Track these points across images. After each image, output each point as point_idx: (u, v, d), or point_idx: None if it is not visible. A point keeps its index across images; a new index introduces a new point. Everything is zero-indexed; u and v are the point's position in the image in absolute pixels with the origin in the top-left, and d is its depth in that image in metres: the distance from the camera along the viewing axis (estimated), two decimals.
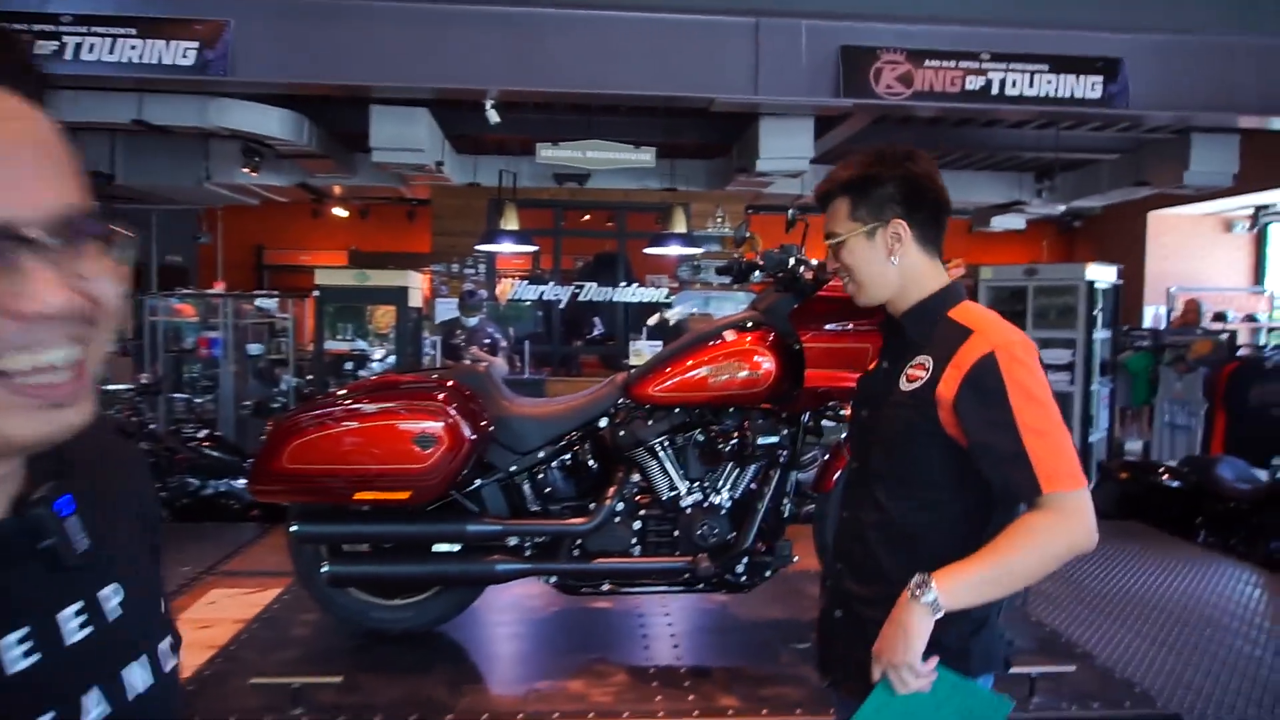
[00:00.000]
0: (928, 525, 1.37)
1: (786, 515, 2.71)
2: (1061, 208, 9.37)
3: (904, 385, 1.38)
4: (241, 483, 4.36)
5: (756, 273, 2.78)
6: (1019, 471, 1.27)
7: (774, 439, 2.61)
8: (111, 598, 0.67)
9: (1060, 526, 1.25)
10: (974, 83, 5.66)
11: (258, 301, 7.42)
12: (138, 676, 0.67)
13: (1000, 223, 10.32)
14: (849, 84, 5.59)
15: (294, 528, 2.52)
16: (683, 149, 8.24)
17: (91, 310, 0.58)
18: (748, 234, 2.96)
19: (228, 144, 7.48)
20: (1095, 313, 6.28)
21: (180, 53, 5.45)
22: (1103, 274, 6.38)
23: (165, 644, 0.71)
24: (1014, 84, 5.68)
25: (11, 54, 0.57)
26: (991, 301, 6.75)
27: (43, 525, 0.61)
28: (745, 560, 2.62)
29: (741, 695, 2.33)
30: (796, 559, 2.72)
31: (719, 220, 8.25)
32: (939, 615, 1.23)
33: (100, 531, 0.66)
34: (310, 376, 6.38)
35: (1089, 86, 5.75)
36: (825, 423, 2.76)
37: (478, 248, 7.68)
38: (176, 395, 6.50)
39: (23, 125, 0.56)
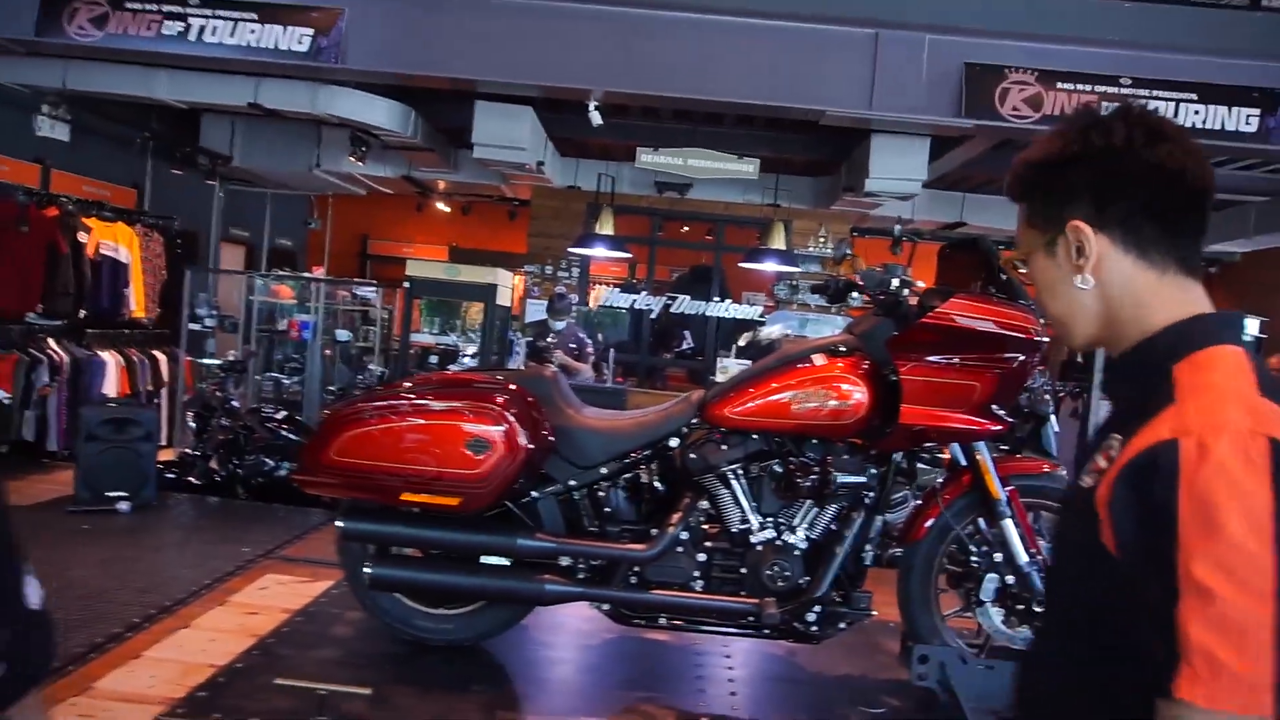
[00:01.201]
0: (1109, 683, 0.88)
1: (868, 563, 2.44)
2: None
3: (1085, 479, 0.91)
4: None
5: (854, 293, 2.54)
6: (1158, 639, 0.78)
7: (860, 478, 2.36)
8: None
9: None
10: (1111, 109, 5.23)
11: (357, 289, 7.51)
12: None
13: None
14: (971, 103, 5.24)
15: (340, 523, 2.40)
16: (788, 164, 7.97)
17: None
18: (849, 251, 2.72)
19: (337, 132, 7.61)
20: None
21: (296, 39, 5.52)
22: (1246, 325, 5.82)
23: None
24: (1155, 112, 5.22)
25: None
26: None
27: None
28: (818, 609, 2.37)
29: None
30: (875, 613, 2.45)
31: (821, 240, 7.95)
32: None
33: None
34: (385, 370, 6.39)
35: (1243, 119, 5.24)
36: (920, 465, 2.48)
37: (571, 250, 7.60)
38: (267, 375, 6.60)
39: None
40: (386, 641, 2.55)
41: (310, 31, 5.50)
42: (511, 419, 2.26)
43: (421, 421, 2.27)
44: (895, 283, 2.31)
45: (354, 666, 2.36)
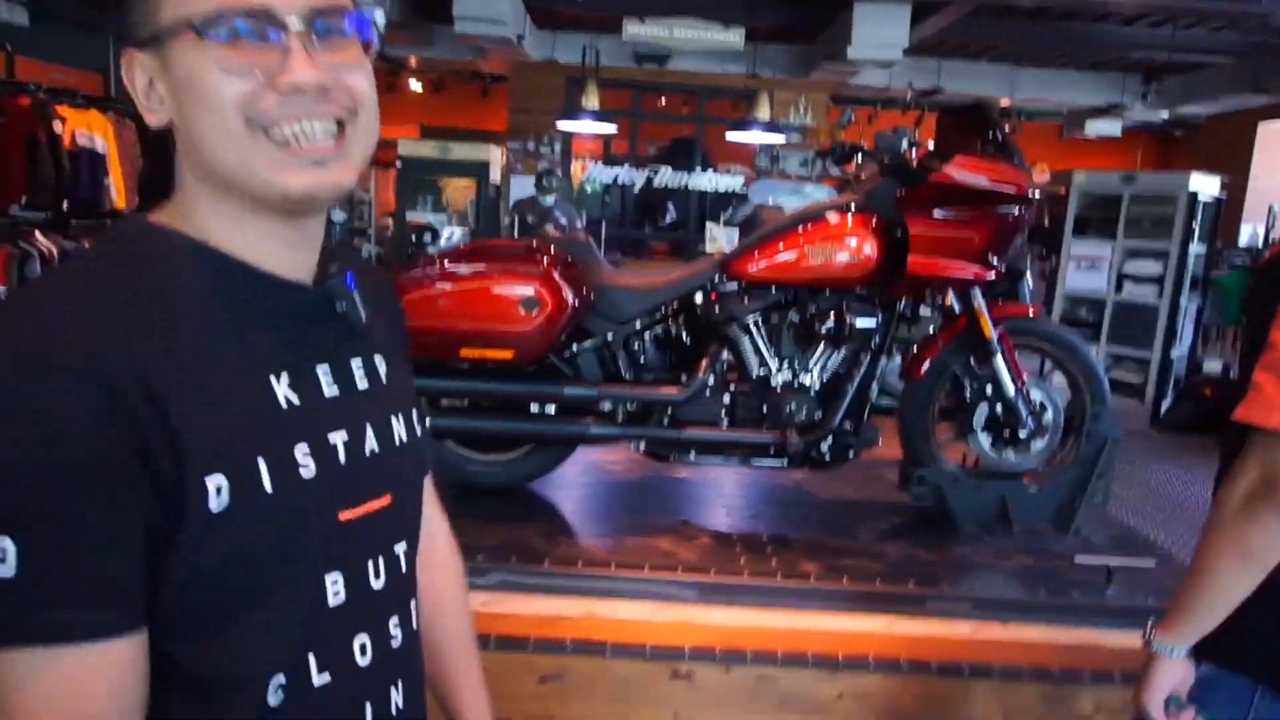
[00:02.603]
0: None
1: (874, 399, 2.74)
2: (1165, 114, 8.90)
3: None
4: None
5: (859, 155, 2.74)
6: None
7: (871, 322, 2.63)
8: (381, 364, 0.84)
9: (1249, 498, 1.07)
10: None
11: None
12: (400, 428, 0.85)
13: (1095, 128, 9.86)
14: None
15: None
16: (768, 33, 7.95)
17: (346, 95, 0.71)
18: (853, 118, 2.91)
19: None
20: (1193, 226, 6.05)
21: None
22: (1206, 185, 6.11)
23: (416, 414, 0.89)
24: None
25: None
26: (1081, 209, 6.54)
27: (337, 293, 0.79)
28: (831, 439, 2.68)
29: (822, 564, 2.43)
30: (880, 443, 2.77)
31: (802, 110, 8.03)
32: (1178, 656, 1.17)
33: (374, 316, 0.83)
34: (380, 248, 6.49)
35: None
36: (923, 310, 2.76)
37: (560, 124, 7.62)
38: None
39: None
40: (445, 486, 2.83)
41: None
42: (558, 278, 2.49)
43: (476, 284, 2.49)
44: (905, 144, 2.51)
45: None
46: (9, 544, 0.60)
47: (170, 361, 0.66)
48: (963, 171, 2.51)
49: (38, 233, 5.74)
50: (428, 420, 2.57)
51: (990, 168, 2.52)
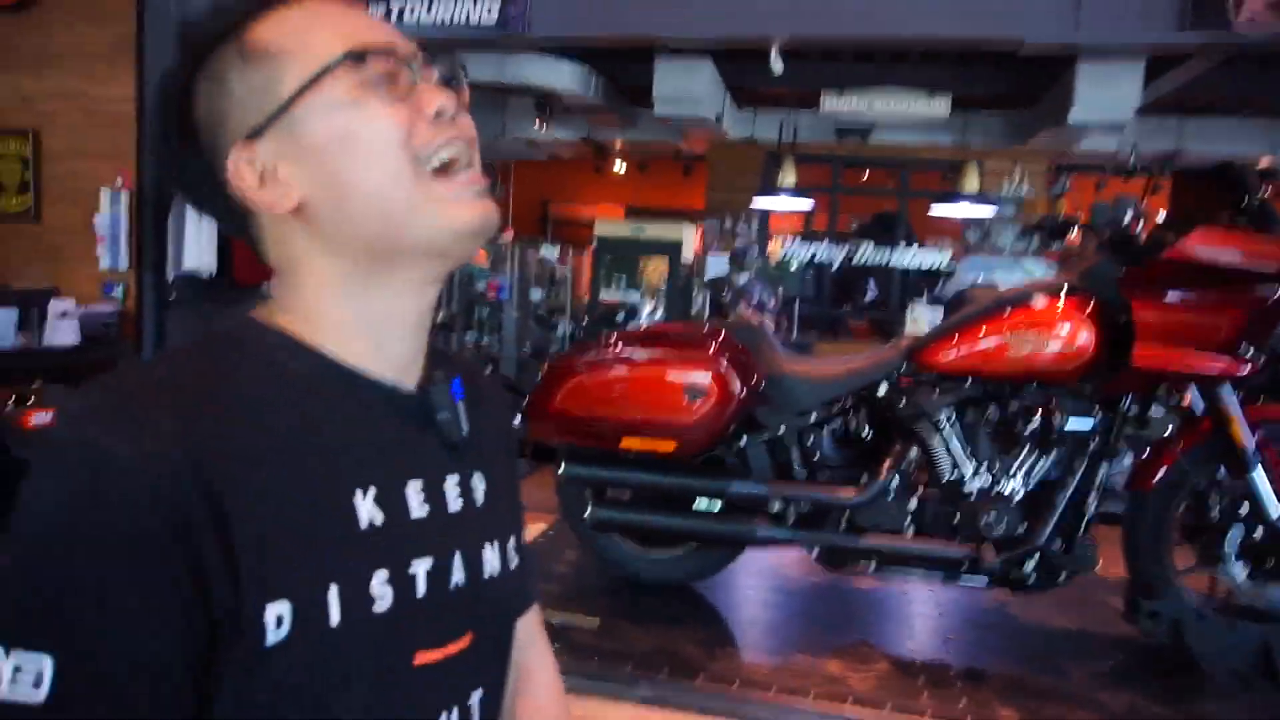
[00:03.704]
0: None
1: (1091, 514, 2.34)
2: None
3: None
4: (517, 420, 4.61)
5: (1074, 230, 2.41)
6: None
7: (1085, 424, 2.26)
8: (479, 484, 0.76)
9: None
10: None
11: (541, 250, 7.83)
12: (493, 558, 0.74)
13: None
14: (1197, 15, 4.74)
15: (562, 467, 2.57)
16: (979, 100, 7.53)
17: (468, 126, 0.68)
18: (1068, 187, 2.57)
19: (520, 99, 7.90)
20: None
21: (485, 10, 5.77)
22: None
23: (512, 543, 0.79)
24: None
25: None
26: None
27: (440, 400, 0.71)
28: (1036, 558, 2.31)
29: (1022, 708, 2.06)
30: (1100, 563, 2.36)
31: (1016, 180, 7.48)
32: None
33: (479, 429, 0.75)
34: (585, 322, 6.63)
35: None
36: (1154, 410, 2.34)
37: (755, 201, 7.56)
38: (467, 334, 7.04)
39: (363, 9, 0.69)
40: (604, 579, 2.71)
41: (498, 2, 5.73)
42: (724, 366, 2.33)
43: (639, 371, 2.38)
44: (1129, 215, 2.16)
45: (578, 600, 2.53)
46: (46, 662, 0.53)
47: (242, 472, 0.58)
48: (1205, 246, 2.12)
49: None
50: (588, 512, 2.48)
51: (1240, 241, 2.11)
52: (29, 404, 3.20)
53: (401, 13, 5.85)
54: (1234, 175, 2.22)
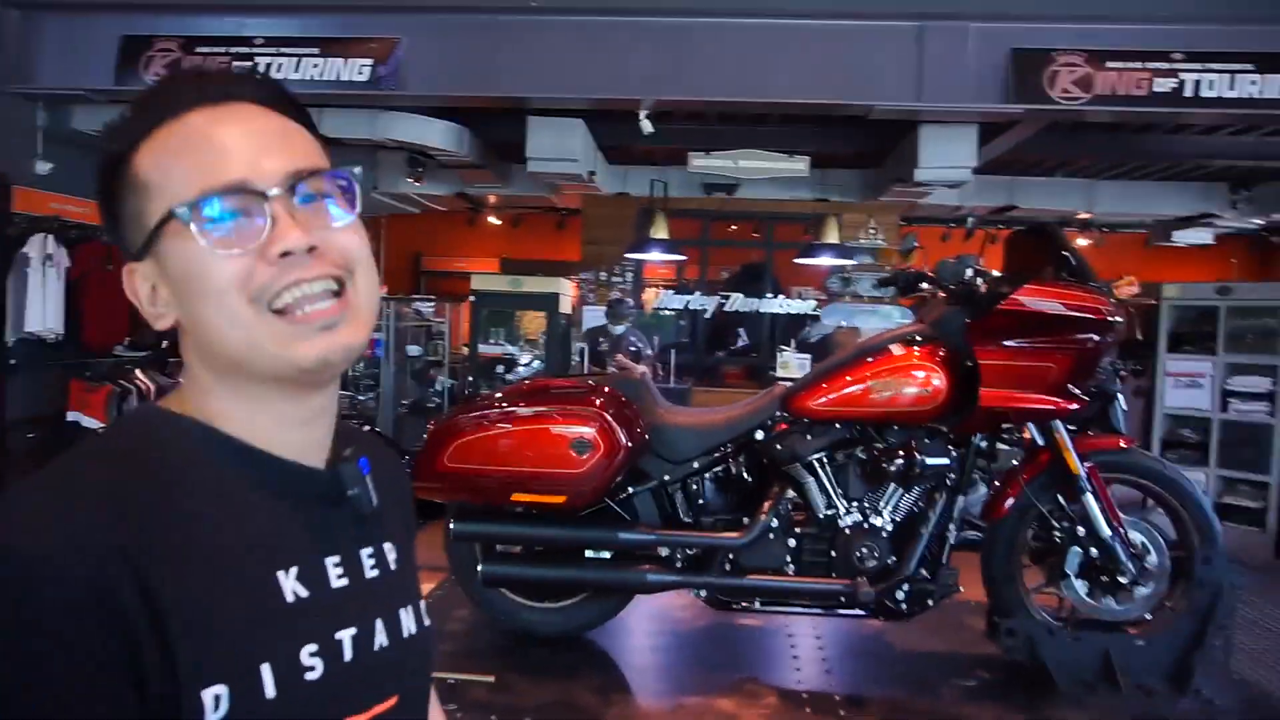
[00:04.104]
0: None
1: (952, 542, 2.54)
2: (1259, 221, 8.55)
3: None
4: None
5: (923, 284, 2.64)
6: None
7: (943, 460, 2.46)
8: (390, 552, 0.79)
9: None
10: (1164, 85, 5.22)
11: (416, 305, 7.76)
12: (409, 621, 0.78)
13: (1183, 237, 9.51)
14: (1020, 89, 5.28)
15: (452, 525, 2.58)
16: (835, 158, 8.04)
17: (338, 255, 0.69)
18: (916, 244, 2.83)
19: (393, 155, 7.87)
20: None
21: (356, 70, 5.77)
22: None
23: (423, 604, 0.83)
24: (1211, 85, 5.21)
25: (219, 75, 0.72)
26: (1176, 323, 6.24)
27: (350, 477, 0.74)
28: (906, 587, 2.48)
29: None
30: (962, 589, 2.55)
31: (872, 232, 8.00)
32: None
33: (383, 499, 0.78)
34: (470, 378, 6.60)
35: None
36: (1000, 446, 2.58)
37: (628, 255, 7.76)
38: (343, 392, 6.87)
39: (251, 117, 0.70)
40: (497, 635, 2.72)
41: (370, 61, 5.73)
42: (610, 420, 2.42)
43: (526, 426, 2.44)
44: (969, 272, 2.41)
45: (472, 657, 2.53)
46: None
47: (169, 558, 0.61)
48: (1034, 298, 2.38)
49: (138, 371, 6.06)
50: (480, 568, 2.49)
51: (1063, 293, 2.38)
52: None
53: (268, 70, 5.77)
54: (1051, 235, 2.52)
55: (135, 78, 5.88)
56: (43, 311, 5.82)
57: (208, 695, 0.60)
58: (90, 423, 5.87)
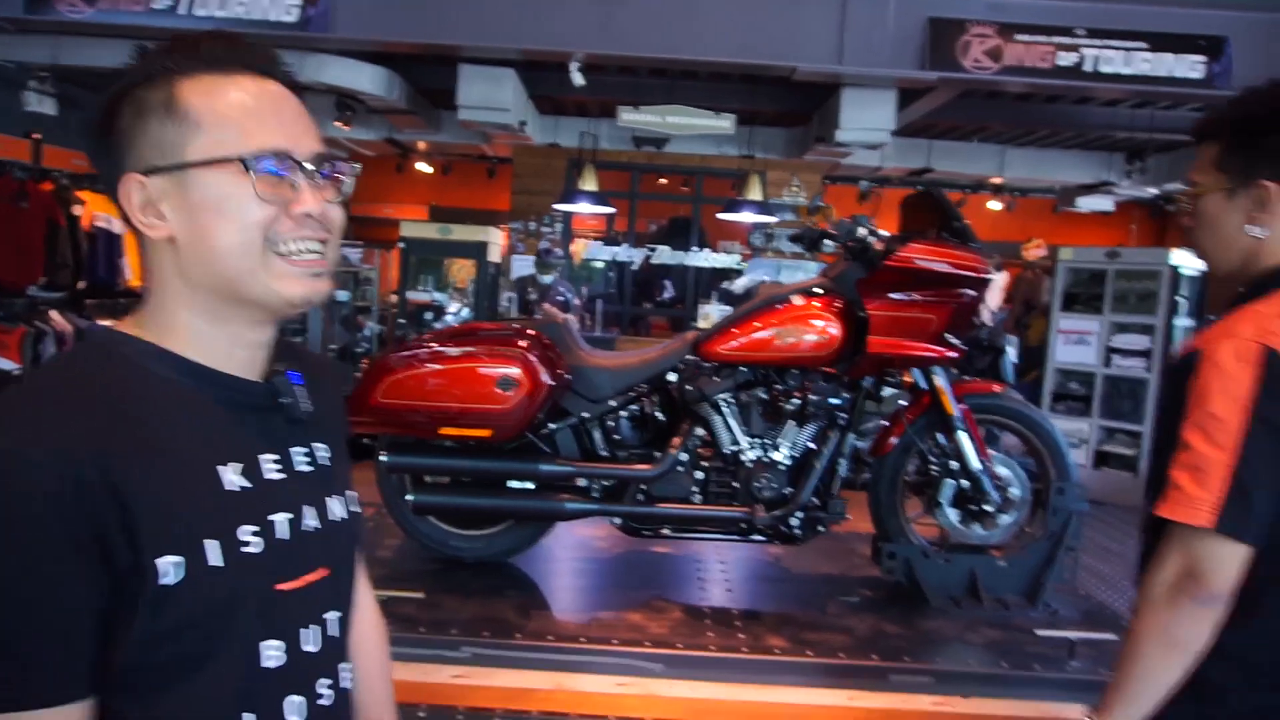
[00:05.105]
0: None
1: (843, 474, 2.82)
2: (1153, 190, 9.10)
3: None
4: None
5: (827, 241, 2.88)
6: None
7: (834, 400, 2.73)
8: (323, 451, 0.95)
9: (1172, 589, 1.13)
10: (1067, 59, 5.56)
11: (343, 251, 7.76)
12: (337, 508, 0.94)
13: (1087, 204, 10.04)
14: (935, 57, 5.55)
15: (383, 457, 2.74)
16: (762, 116, 8.24)
17: (330, 223, 0.86)
18: (821, 203, 3.06)
19: (321, 99, 7.78)
20: (1177, 299, 6.15)
21: (284, 9, 5.70)
22: (1188, 260, 6.24)
23: (353, 494, 0.99)
24: (1109, 62, 5.56)
25: (260, 52, 0.86)
26: (1070, 284, 6.66)
27: (281, 388, 0.90)
28: (800, 514, 2.75)
29: (789, 637, 2.48)
30: (849, 518, 2.84)
31: (795, 189, 8.26)
32: None
33: (317, 406, 0.93)
34: (401, 322, 6.66)
35: (1189, 66, 5.59)
36: (886, 390, 2.86)
37: (556, 207, 7.87)
38: None
39: (286, 98, 0.87)
40: (426, 560, 2.91)
41: (298, 2, 5.68)
42: (533, 359, 2.61)
43: (455, 365, 2.61)
44: (862, 231, 2.65)
45: (402, 578, 2.72)
46: None
47: (130, 457, 0.76)
48: (915, 256, 2.64)
49: (53, 312, 5.96)
50: (409, 498, 2.67)
51: (943, 252, 2.65)
52: None
53: (191, 5, 5.67)
54: (936, 197, 2.78)
55: (48, 7, 5.71)
56: None
57: (164, 563, 0.76)
58: (5, 364, 5.76)
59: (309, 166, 0.84)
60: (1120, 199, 10.44)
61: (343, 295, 7.13)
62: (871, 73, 5.92)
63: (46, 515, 0.71)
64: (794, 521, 2.75)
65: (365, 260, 7.88)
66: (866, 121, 6.55)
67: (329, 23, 5.68)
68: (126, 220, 0.85)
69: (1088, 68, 5.57)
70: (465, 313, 6.65)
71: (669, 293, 8.92)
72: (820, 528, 2.79)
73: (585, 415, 2.81)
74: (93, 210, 6.34)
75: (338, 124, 7.73)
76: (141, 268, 0.88)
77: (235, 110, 0.83)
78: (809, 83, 6.40)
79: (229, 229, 0.82)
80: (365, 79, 6.76)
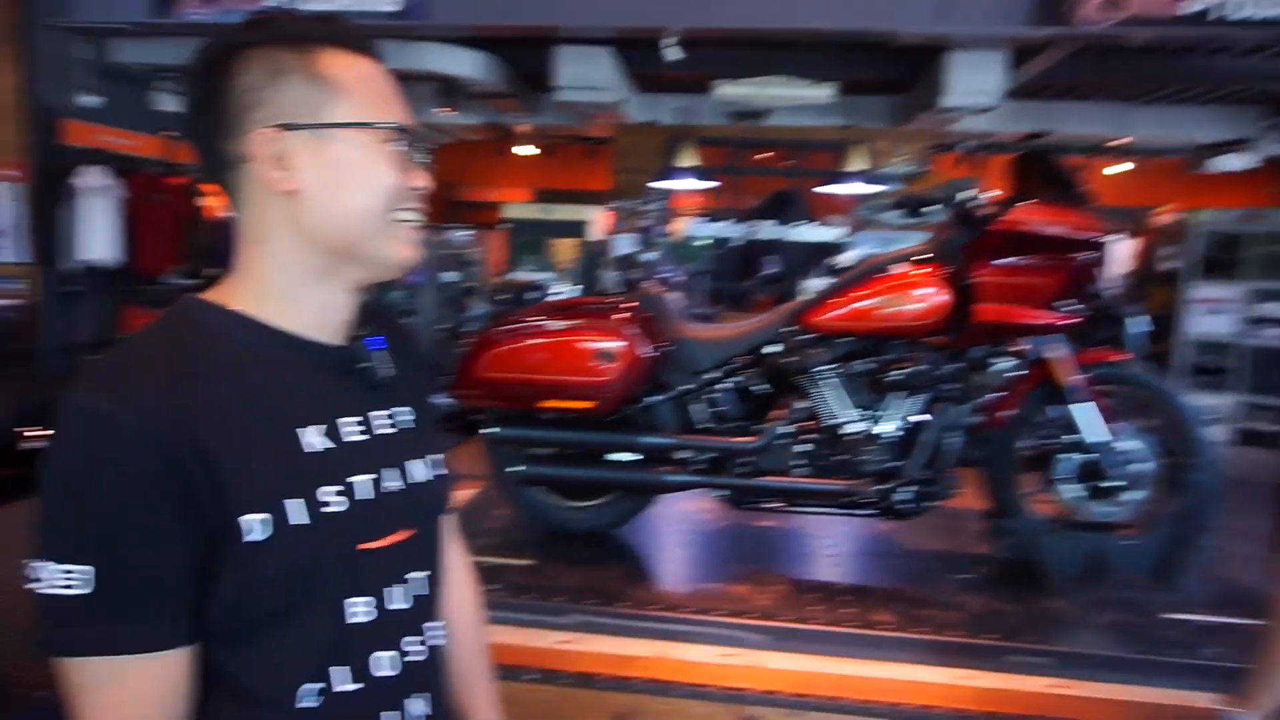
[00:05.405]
0: None
1: (954, 449, 2.73)
2: None
3: None
4: (438, 396, 4.80)
5: (930, 207, 2.78)
6: None
7: (942, 371, 2.64)
8: (405, 414, 0.97)
9: None
10: (1192, 6, 5.17)
11: (451, 234, 7.97)
12: (420, 470, 0.96)
13: (1222, 164, 9.36)
14: (1046, 12, 5.26)
15: (487, 430, 2.82)
16: (864, 85, 8.00)
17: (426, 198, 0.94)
18: (924, 168, 2.95)
19: (421, 86, 7.98)
20: None
21: (387, 0, 5.87)
22: None
23: (438, 457, 1.01)
24: (1240, 6, 5.15)
25: (351, 31, 0.90)
26: (1206, 249, 6.25)
27: (361, 352, 0.94)
28: (909, 489, 2.68)
29: (898, 613, 2.43)
30: (962, 492, 2.75)
31: (901, 158, 8.00)
32: None
33: (400, 371, 0.97)
34: (503, 298, 6.82)
35: None
36: (997, 359, 2.75)
37: (655, 185, 7.85)
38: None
39: (395, 82, 0.93)
40: (533, 531, 2.98)
41: None
42: (632, 332, 2.62)
43: (556, 339, 2.65)
44: (966, 194, 2.55)
45: (511, 547, 2.80)
46: (87, 569, 0.76)
47: (213, 419, 0.80)
48: (1024, 219, 2.52)
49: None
50: (515, 469, 2.74)
51: (1054, 214, 2.52)
52: None
53: (308, 1, 5.89)
54: (1046, 158, 2.64)
55: (170, 11, 6.03)
56: (97, 240, 6.12)
57: (248, 521, 0.80)
58: None
59: (424, 146, 0.92)
60: (1261, 157, 9.68)
61: (452, 277, 7.34)
62: (977, 33, 5.66)
63: (140, 472, 0.76)
64: (902, 496, 2.68)
65: (473, 243, 8.08)
66: (974, 85, 6.27)
67: (429, 10, 5.81)
68: (226, 173, 0.88)
69: (1218, 14, 5.17)
70: (568, 291, 6.75)
71: (772, 269, 8.80)
72: (930, 502, 2.71)
73: (685, 387, 2.81)
74: (220, 203, 6.72)
75: (442, 111, 7.91)
76: (241, 228, 0.91)
77: (370, 84, 0.90)
78: (911, 47, 6.17)
79: (361, 189, 0.87)
80: (466, 64, 6.90)
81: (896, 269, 2.68)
